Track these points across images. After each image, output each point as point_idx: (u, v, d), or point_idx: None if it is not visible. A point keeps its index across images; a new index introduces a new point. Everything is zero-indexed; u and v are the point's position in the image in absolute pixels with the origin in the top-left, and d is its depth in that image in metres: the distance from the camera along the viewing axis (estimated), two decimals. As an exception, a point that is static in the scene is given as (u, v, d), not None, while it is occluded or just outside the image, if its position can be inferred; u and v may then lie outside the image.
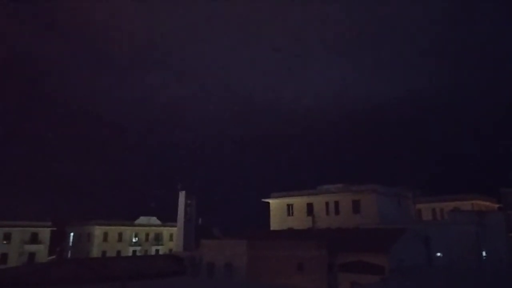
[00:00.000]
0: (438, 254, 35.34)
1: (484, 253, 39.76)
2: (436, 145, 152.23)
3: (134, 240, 75.12)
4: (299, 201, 53.30)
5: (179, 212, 62.24)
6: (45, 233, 63.46)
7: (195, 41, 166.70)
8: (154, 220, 79.52)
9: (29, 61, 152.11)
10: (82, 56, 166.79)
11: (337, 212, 49.94)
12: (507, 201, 50.41)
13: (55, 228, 66.19)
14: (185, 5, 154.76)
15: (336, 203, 50.17)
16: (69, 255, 73.15)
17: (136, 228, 76.14)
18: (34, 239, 62.25)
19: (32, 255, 61.03)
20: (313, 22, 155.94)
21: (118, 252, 71.07)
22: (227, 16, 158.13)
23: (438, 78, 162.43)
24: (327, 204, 50.86)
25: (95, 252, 68.51)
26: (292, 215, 53.57)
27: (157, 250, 76.43)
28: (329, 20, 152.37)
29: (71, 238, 75.97)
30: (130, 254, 71.33)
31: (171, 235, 78.39)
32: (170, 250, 72.40)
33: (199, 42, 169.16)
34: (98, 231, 70.83)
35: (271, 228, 53.90)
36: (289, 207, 54.14)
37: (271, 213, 55.59)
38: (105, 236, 71.60)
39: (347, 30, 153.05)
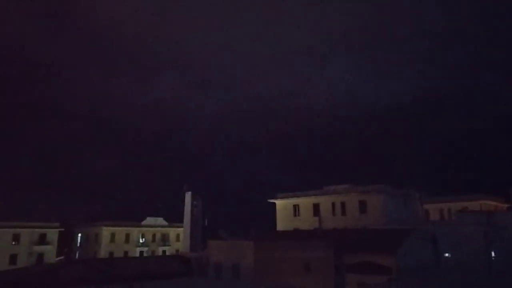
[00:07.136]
0: (446, 254, 35.09)
1: (493, 254, 39.35)
2: (444, 145, 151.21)
3: (141, 240, 75.45)
4: (305, 202, 53.16)
5: (185, 213, 62.42)
6: (53, 234, 63.93)
7: (202, 45, 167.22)
8: (161, 220, 79.80)
9: (38, 62, 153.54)
10: (90, 57, 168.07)
11: (343, 212, 49.74)
12: (516, 201, 49.86)
13: (63, 229, 66.69)
14: (196, 6, 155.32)
15: (343, 204, 49.97)
16: (77, 255, 73.67)
17: (143, 229, 76.47)
18: (43, 240, 62.73)
19: (40, 255, 61.49)
20: (318, 23, 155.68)
21: (126, 252, 71.44)
22: (230, 19, 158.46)
23: (444, 79, 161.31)
24: (333, 204, 50.67)
25: (103, 253, 68.91)
26: (299, 215, 53.45)
27: (164, 251, 76.66)
28: (335, 21, 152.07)
29: (79, 239, 76.49)
30: (137, 254, 71.62)
31: (177, 236, 78.58)
32: (177, 250, 72.57)
33: (207, 46, 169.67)
34: (105, 232, 71.26)
35: (277, 229, 53.78)
36: (295, 207, 54.01)
37: (277, 213, 55.49)
38: (113, 236, 72.03)
39: (357, 33, 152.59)
